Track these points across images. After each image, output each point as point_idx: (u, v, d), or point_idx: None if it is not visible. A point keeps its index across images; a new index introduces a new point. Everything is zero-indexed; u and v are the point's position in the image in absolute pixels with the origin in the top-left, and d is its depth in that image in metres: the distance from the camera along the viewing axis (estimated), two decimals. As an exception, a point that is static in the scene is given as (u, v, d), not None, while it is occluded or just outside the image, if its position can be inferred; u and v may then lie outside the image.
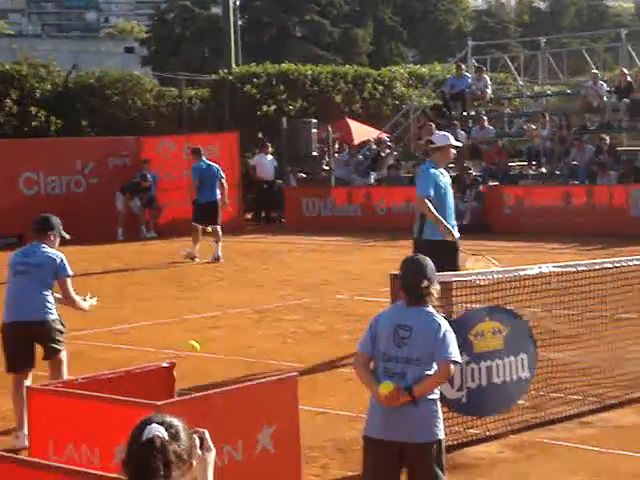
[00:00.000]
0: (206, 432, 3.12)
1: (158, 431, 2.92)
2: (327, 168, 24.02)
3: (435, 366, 4.68)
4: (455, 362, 4.73)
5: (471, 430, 6.72)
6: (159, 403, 4.77)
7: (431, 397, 4.72)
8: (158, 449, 2.90)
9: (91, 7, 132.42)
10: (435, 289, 4.81)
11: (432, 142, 9.47)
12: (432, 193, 8.99)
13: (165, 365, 5.78)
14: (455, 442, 6.57)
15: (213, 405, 5.01)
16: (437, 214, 8.99)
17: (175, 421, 2.99)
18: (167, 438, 2.92)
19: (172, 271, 16.03)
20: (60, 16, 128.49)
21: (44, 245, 7.40)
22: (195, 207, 17.11)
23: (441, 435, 4.75)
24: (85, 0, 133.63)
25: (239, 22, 33.69)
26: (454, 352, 4.69)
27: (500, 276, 6.94)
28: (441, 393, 6.44)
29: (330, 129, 23.60)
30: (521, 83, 26.92)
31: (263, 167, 23.88)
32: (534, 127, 22.36)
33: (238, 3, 38.39)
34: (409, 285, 4.80)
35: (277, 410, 5.27)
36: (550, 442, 6.76)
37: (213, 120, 25.63)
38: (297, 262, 16.76)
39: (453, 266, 8.52)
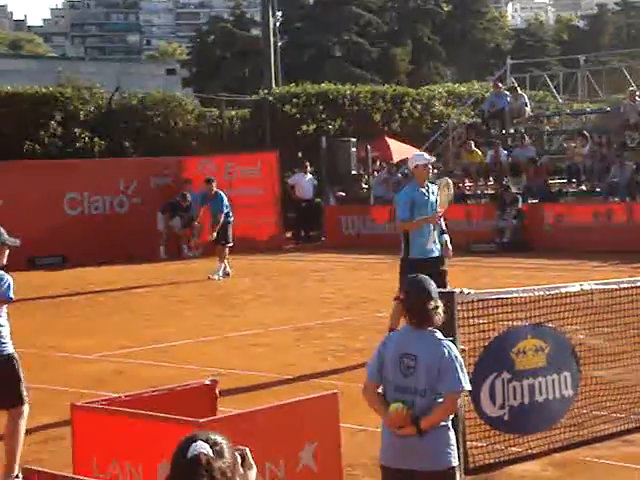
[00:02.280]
0: (247, 450, 3.13)
1: (203, 448, 2.94)
2: (366, 186, 24.07)
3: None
4: (461, 391, 4.62)
5: (513, 448, 6.68)
6: (201, 420, 4.80)
7: (441, 424, 4.62)
8: (204, 466, 2.91)
9: (133, 30, 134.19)
10: (441, 309, 4.69)
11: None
12: (408, 215, 9.67)
13: (207, 383, 5.81)
14: (496, 460, 6.54)
15: (255, 423, 5.03)
16: (415, 220, 9.67)
17: (219, 438, 3.00)
18: (212, 455, 2.93)
19: (214, 289, 16.14)
20: (103, 39, 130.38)
21: None
22: (228, 227, 17.25)
23: (453, 462, 4.65)
24: (127, 23, 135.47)
25: (279, 43, 33.91)
26: (459, 382, 4.56)
27: (541, 293, 6.91)
28: (482, 410, 6.47)
29: (369, 148, 23.66)
30: (560, 101, 26.80)
31: (302, 186, 23.99)
32: (574, 145, 22.24)
33: (278, 24, 38.67)
34: (413, 307, 4.68)
35: (318, 427, 5.28)
36: (593, 460, 6.71)
37: (253, 140, 25.82)
38: (337, 280, 16.80)
39: (440, 284, 8.84)
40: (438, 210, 9.80)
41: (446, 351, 4.57)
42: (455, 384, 4.56)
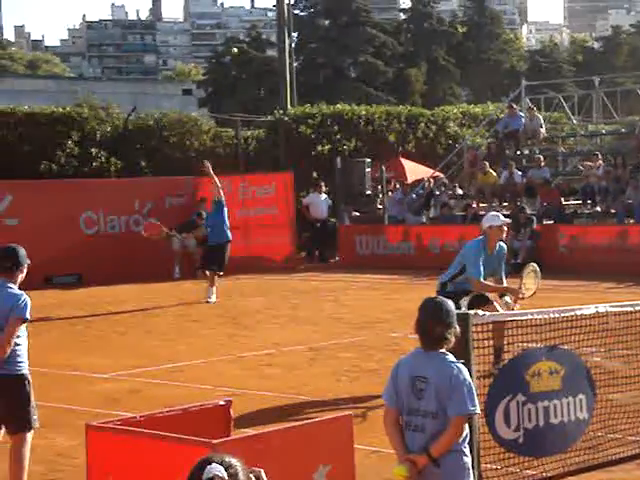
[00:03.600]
0: (262, 472, 3.15)
1: (218, 471, 2.96)
2: (381, 207, 24.09)
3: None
4: (469, 415, 4.58)
5: (528, 471, 6.64)
6: (215, 441, 4.79)
7: (456, 448, 4.60)
8: None
9: (150, 50, 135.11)
10: (453, 333, 4.67)
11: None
12: (482, 272, 9.45)
13: (222, 403, 5.81)
14: (511, 483, 6.51)
15: (269, 444, 5.02)
16: (492, 285, 9.58)
17: (234, 461, 3.02)
18: (227, 478, 2.96)
19: (227, 309, 16.14)
20: (120, 59, 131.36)
21: (10, 285, 6.37)
22: (227, 247, 16.71)
23: None
24: (144, 44, 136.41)
25: (294, 64, 34.05)
26: (467, 405, 4.53)
27: (556, 315, 6.89)
28: (497, 433, 6.44)
29: (384, 168, 23.70)
30: (575, 122, 26.80)
31: (316, 206, 24.03)
32: (591, 164, 22.21)
33: (293, 45, 38.86)
34: (424, 330, 4.69)
35: (332, 449, 5.26)
36: (608, 484, 6.67)
37: (269, 160, 25.89)
38: (351, 300, 16.78)
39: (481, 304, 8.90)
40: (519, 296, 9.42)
41: (456, 373, 4.56)
42: (462, 407, 4.53)
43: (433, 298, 4.92)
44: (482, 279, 9.47)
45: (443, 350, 4.66)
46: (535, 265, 9.81)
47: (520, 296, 9.45)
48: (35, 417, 6.42)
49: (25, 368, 6.38)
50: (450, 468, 4.57)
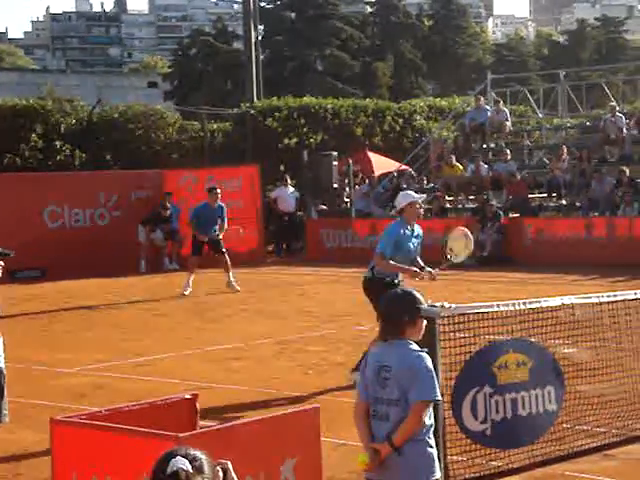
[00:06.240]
0: (229, 464, 3.13)
1: (183, 464, 2.94)
2: (347, 200, 24.12)
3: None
4: (429, 402, 4.59)
5: (493, 463, 6.68)
6: (181, 435, 4.78)
7: (419, 438, 4.61)
8: None
9: (115, 43, 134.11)
10: (416, 323, 4.69)
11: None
12: (389, 252, 9.20)
13: (188, 397, 5.79)
14: (477, 475, 6.53)
15: (235, 437, 5.01)
16: (394, 264, 9.23)
17: (199, 454, 3.01)
18: (191, 471, 2.94)
19: (195, 302, 16.09)
20: (84, 51, 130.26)
21: None
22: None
23: (435, 475, 4.66)
24: (109, 36, 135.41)
25: (260, 56, 33.94)
26: (427, 391, 4.56)
27: (522, 307, 6.92)
28: (464, 425, 6.46)
29: (350, 161, 23.72)
30: (541, 116, 26.97)
31: (284, 200, 24.01)
32: (558, 158, 22.35)
33: (260, 38, 38.74)
34: (387, 319, 4.72)
35: (299, 442, 5.26)
36: (573, 475, 6.71)
37: (235, 153, 25.82)
38: (318, 293, 16.79)
39: None
40: (428, 269, 9.28)
41: (417, 361, 4.60)
42: (422, 393, 4.56)
43: (399, 289, 4.99)
44: (383, 256, 9.23)
45: (407, 339, 4.69)
46: (466, 229, 9.66)
47: (414, 276, 9.31)
48: (5, 412, 6.34)
49: (1, 362, 6.33)
50: (414, 458, 4.59)
